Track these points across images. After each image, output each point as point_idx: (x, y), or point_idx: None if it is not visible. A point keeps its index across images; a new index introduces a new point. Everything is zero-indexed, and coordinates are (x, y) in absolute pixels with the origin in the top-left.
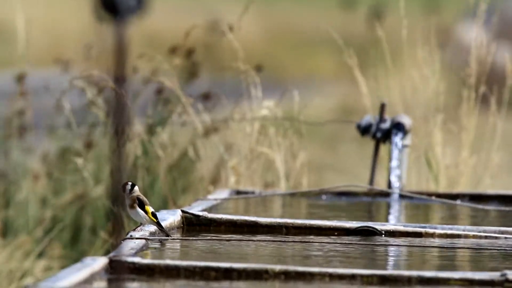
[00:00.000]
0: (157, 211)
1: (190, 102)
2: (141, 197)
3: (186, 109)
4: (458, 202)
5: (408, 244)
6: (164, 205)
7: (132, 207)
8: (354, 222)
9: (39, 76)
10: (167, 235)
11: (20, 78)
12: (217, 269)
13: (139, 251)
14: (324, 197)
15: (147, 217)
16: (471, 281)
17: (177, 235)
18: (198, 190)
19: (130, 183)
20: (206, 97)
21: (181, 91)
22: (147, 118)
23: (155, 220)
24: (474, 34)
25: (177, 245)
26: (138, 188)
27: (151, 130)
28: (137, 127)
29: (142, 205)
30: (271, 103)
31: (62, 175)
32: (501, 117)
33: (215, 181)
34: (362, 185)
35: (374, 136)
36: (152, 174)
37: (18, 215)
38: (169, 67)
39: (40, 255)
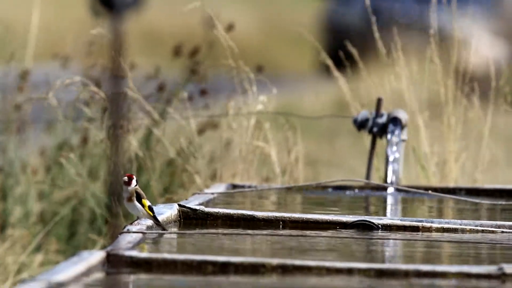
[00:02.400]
0: (154, 205)
1: (187, 99)
2: (139, 191)
3: (181, 106)
4: (455, 196)
5: (405, 238)
6: (160, 200)
7: (129, 200)
8: (351, 216)
9: (36, 71)
10: (163, 229)
11: (24, 75)
12: (214, 263)
13: (136, 245)
14: (320, 191)
15: (144, 211)
16: (468, 275)
17: (174, 229)
18: (194, 185)
19: (129, 177)
20: (202, 93)
21: (182, 88)
22: (145, 113)
23: (151, 214)
24: (466, 31)
25: (174, 239)
26: (137, 182)
27: (149, 126)
28: (135, 122)
29: (139, 199)
30: (266, 98)
31: (60, 170)
32: (490, 112)
33: (212, 176)
34: (358, 179)
35: (370, 131)
36: (149, 169)
37: (16, 209)
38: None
39: (37, 249)
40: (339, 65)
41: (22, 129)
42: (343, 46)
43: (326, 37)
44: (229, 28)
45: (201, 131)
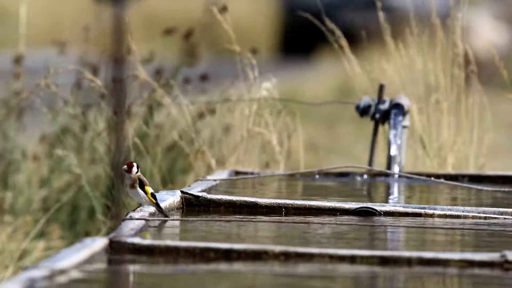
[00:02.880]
0: (156, 192)
1: (185, 83)
2: (141, 178)
3: (181, 91)
4: (458, 183)
5: (408, 225)
6: (162, 186)
7: (132, 187)
8: (353, 203)
9: (38, 56)
10: (166, 216)
11: (18, 60)
12: (217, 250)
13: (139, 232)
14: (322, 177)
15: (147, 198)
16: (470, 262)
17: (176, 216)
18: (195, 171)
19: (129, 165)
20: (203, 78)
21: (179, 73)
22: (144, 99)
23: (154, 201)
24: (476, 16)
25: (177, 226)
26: (138, 168)
27: (148, 112)
28: (135, 108)
29: (142, 186)
30: (269, 84)
31: (60, 157)
32: (495, 98)
33: (215, 161)
34: (361, 165)
35: (373, 117)
36: (149, 155)
37: (17, 196)
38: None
39: (39, 235)
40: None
41: (21, 116)
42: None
43: (285, 18)
44: (223, 9)
45: (200, 116)
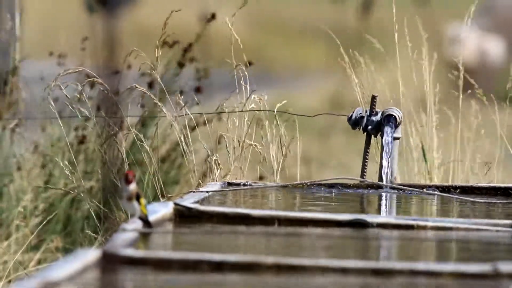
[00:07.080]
0: (149, 203)
1: (178, 96)
2: (138, 190)
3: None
4: (450, 194)
5: (400, 237)
6: (155, 198)
7: (129, 199)
8: (345, 214)
9: (31, 67)
10: (150, 226)
11: (14, 71)
12: (209, 262)
13: (132, 244)
14: (314, 189)
15: (139, 210)
16: (463, 274)
17: (169, 228)
18: (188, 183)
19: (130, 174)
20: (197, 90)
21: (171, 85)
22: (138, 111)
23: (145, 213)
24: (465, 28)
25: (169, 238)
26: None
27: (141, 124)
28: (127, 120)
29: (138, 198)
30: (261, 96)
31: (54, 167)
32: (492, 110)
33: (205, 173)
34: (353, 177)
35: (365, 129)
36: (142, 167)
37: (10, 207)
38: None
39: (34, 247)
40: None
41: (16, 126)
42: None
43: None
44: (212, 17)
45: (193, 128)
